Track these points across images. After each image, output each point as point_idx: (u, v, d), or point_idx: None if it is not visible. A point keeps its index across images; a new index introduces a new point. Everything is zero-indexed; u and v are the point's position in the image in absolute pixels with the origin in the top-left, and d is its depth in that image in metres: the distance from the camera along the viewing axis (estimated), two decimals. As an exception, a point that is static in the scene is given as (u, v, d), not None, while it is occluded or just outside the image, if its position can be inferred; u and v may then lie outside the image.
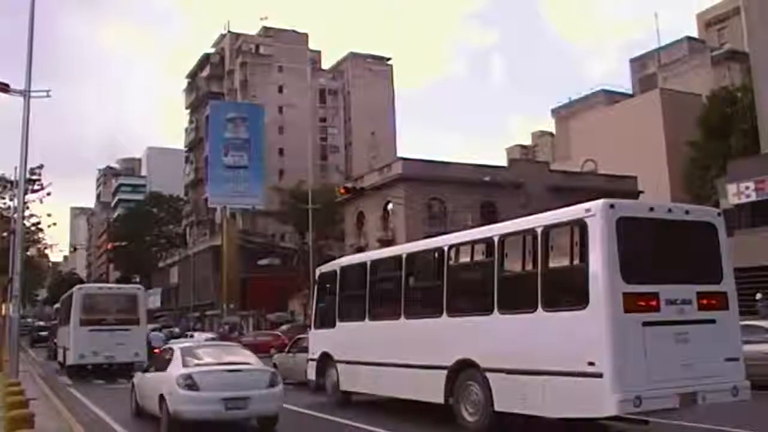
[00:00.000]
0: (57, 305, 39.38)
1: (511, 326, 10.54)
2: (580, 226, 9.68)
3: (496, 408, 10.58)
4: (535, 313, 10.00)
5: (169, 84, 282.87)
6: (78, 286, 28.95)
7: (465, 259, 12.31)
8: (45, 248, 62.83)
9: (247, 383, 11.82)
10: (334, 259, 19.62)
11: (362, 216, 56.83)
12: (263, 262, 67.30)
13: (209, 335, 38.71)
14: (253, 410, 11.86)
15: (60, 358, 27.46)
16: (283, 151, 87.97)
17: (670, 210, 10.41)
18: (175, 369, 12.04)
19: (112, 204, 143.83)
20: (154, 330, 29.32)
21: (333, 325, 15.67)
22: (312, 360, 16.54)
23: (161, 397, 12.07)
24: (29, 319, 58.79)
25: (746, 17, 35.23)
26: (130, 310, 25.12)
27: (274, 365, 22.25)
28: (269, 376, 12.30)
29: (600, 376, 8.94)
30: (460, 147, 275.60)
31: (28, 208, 39.43)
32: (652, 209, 10.18)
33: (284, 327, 46.89)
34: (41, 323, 61.33)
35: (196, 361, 12.29)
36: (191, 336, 36.46)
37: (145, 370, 14.23)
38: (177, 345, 14.45)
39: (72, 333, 24.43)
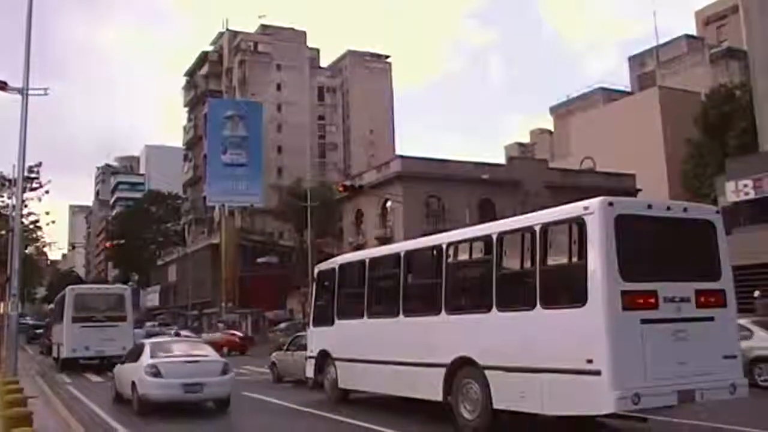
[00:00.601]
0: (51, 305, 41.50)
1: (509, 324, 10.54)
2: (578, 223, 9.68)
3: (495, 406, 10.58)
4: (534, 310, 10.00)
5: (168, 82, 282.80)
6: (71, 286, 30.58)
7: (463, 256, 12.31)
8: (43, 246, 62.74)
9: (202, 371, 14.49)
10: (332, 257, 19.62)
11: (361, 214, 56.83)
12: (262, 260, 67.22)
13: (185, 333, 40.77)
14: (207, 393, 14.41)
15: (54, 353, 29.12)
16: (282, 149, 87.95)
17: (668, 208, 10.42)
18: (144, 360, 14.61)
19: (111, 202, 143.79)
20: (135, 327, 31.45)
21: (331, 323, 15.67)
22: (310, 358, 16.54)
23: (133, 384, 14.59)
24: (29, 318, 58.70)
25: (745, 15, 35.23)
26: (118, 308, 27.18)
27: (273, 363, 22.34)
28: (222, 366, 14.87)
29: (598, 373, 8.94)
30: (458, 145, 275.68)
31: (26, 206, 39.48)
32: (650, 207, 10.19)
33: (283, 325, 46.92)
34: (38, 321, 61.36)
35: (162, 354, 14.97)
36: (176, 334, 38.49)
37: (123, 362, 16.30)
38: (148, 340, 17.42)
39: (65, 329, 26.41)
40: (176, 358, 14.90)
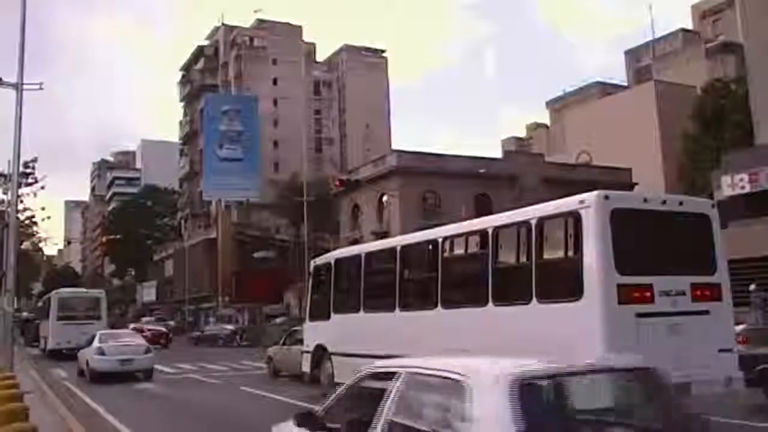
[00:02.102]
0: (39, 304, 46.62)
1: (505, 318, 10.55)
2: (574, 217, 9.69)
3: (491, 400, 10.57)
4: (530, 305, 10.02)
5: (164, 77, 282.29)
6: (55, 291, 35.94)
7: (459, 251, 12.32)
8: (39, 242, 62.66)
9: (132, 351, 22.00)
10: (328, 251, 19.64)
11: (357, 208, 56.81)
12: (258, 254, 67.26)
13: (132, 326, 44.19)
14: (135, 366, 21.62)
15: (42, 345, 34.46)
16: (278, 144, 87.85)
17: (664, 201, 10.43)
18: (95, 344, 21.82)
19: (107, 197, 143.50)
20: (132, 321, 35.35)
21: (328, 318, 15.68)
22: (306, 352, 16.56)
23: (87, 361, 21.74)
24: (24, 313, 59.07)
25: (740, 8, 35.16)
26: (94, 309, 32.63)
27: (269, 357, 22.37)
28: (145, 348, 22.52)
29: (594, 367, 8.94)
30: (454, 139, 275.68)
31: (22, 201, 39.46)
32: (646, 200, 10.20)
33: (279, 320, 46.98)
34: (31, 315, 61.73)
35: (108, 340, 22.31)
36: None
37: (82, 348, 23.01)
38: (99, 331, 24.05)
39: (51, 326, 32.01)
40: (115, 342, 22.20)
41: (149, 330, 39.41)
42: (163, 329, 45.41)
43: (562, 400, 4.65)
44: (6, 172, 35.64)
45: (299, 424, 5.77)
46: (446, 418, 4.41)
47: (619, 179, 51.91)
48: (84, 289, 43.32)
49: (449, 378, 4.55)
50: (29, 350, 36.56)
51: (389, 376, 5.03)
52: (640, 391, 5.01)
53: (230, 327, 50.27)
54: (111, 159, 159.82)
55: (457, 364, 4.87)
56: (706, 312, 9.82)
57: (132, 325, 44.16)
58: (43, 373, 23.00)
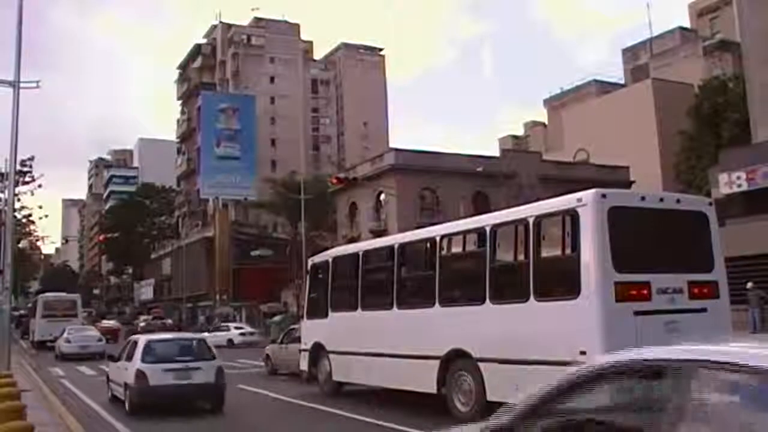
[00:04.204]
0: (29, 305, 54.15)
1: (503, 316, 10.56)
2: (571, 215, 9.69)
3: (489, 398, 10.60)
4: (527, 302, 10.02)
5: (161, 75, 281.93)
6: (41, 295, 46.18)
7: (457, 249, 12.32)
8: (36, 240, 62.61)
9: (90, 339, 31.35)
10: (326, 249, 19.62)
11: (354, 206, 56.78)
12: (256, 252, 67.26)
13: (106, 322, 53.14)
14: (91, 350, 29.89)
15: (30, 338, 42.21)
16: (276, 142, 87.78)
17: (661, 199, 10.45)
18: (64, 335, 31.28)
19: (104, 195, 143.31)
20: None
21: (325, 316, 15.67)
22: (304, 350, 16.54)
23: (58, 347, 31.11)
24: (22, 311, 59.77)
25: (737, 6, 35.15)
26: (71, 309, 40.09)
27: (267, 356, 22.36)
28: (98, 338, 31.88)
29: (592, 365, 8.95)
30: (452, 137, 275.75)
31: (19, 200, 39.51)
32: (643, 199, 10.21)
33: (277, 318, 46.90)
34: (23, 312, 63.13)
35: (73, 332, 31.60)
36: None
37: (56, 339, 32.54)
38: (68, 327, 32.81)
39: (37, 323, 39.71)
40: (78, 334, 31.67)
41: (103, 327, 45.31)
42: (114, 326, 50.27)
43: None
44: (3, 170, 35.61)
45: None
46: None
47: (616, 177, 51.94)
48: (64, 293, 48.59)
49: None
50: (22, 343, 42.95)
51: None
52: None
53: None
54: (108, 157, 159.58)
55: None
56: (704, 310, 9.83)
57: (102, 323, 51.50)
58: (41, 371, 22.98)
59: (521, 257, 10.60)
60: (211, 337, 25.67)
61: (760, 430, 2.69)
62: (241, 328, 42.49)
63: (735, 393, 2.88)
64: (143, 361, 13.37)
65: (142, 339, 14.56)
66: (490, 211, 14.24)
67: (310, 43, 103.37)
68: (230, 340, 37.87)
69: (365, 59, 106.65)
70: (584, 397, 3.47)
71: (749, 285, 22.32)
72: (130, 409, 13.37)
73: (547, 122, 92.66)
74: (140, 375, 13.14)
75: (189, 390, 13.46)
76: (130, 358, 13.83)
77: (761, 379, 2.71)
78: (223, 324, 46.69)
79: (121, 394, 14.04)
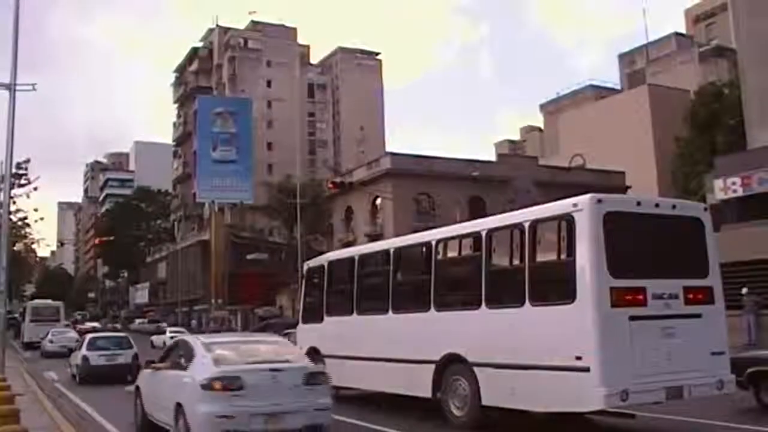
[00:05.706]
0: (21, 310, 58.21)
1: (498, 321, 10.54)
2: (567, 220, 9.69)
3: (484, 402, 10.59)
4: (523, 307, 10.01)
5: (157, 78, 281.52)
6: (30, 302, 53.04)
7: (453, 253, 12.30)
8: (32, 243, 62.35)
9: (70, 339, 33.44)
10: (322, 253, 19.60)
11: (350, 211, 56.80)
12: (251, 256, 67.16)
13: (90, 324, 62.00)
14: (71, 349, 27.58)
15: (21, 339, 46.53)
16: (272, 146, 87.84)
17: (657, 205, 10.45)
18: (48, 337, 35.83)
19: (100, 199, 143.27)
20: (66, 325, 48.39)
21: (321, 320, 15.61)
22: (300, 355, 16.47)
23: (42, 346, 35.79)
24: (17, 315, 59.71)
25: (733, 12, 35.28)
26: (55, 314, 46.24)
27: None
28: (76, 338, 31.28)
29: (587, 370, 8.96)
30: (448, 142, 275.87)
31: (14, 202, 39.32)
32: (639, 204, 10.20)
33: (272, 321, 46.81)
34: (15, 316, 63.71)
35: (56, 334, 35.87)
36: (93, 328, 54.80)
37: (43, 339, 36.96)
38: (52, 330, 37.31)
39: (26, 326, 45.17)
40: (59, 336, 35.45)
41: (81, 329, 49.39)
42: (90, 329, 52.14)
43: None
44: (-1, 173, 35.50)
45: None
46: None
47: (612, 182, 52.08)
48: (50, 300, 54.64)
49: None
50: (14, 344, 45.08)
51: None
52: None
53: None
54: (104, 160, 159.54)
55: None
56: (699, 315, 9.83)
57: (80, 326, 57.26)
58: (35, 375, 22.92)
59: (517, 262, 10.59)
60: None
61: None
62: (233, 330, 43.00)
63: None
64: (87, 349, 21.76)
65: (87, 336, 24.46)
66: (486, 215, 14.23)
67: (307, 47, 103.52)
68: None
69: (362, 63, 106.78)
70: None
71: (744, 290, 22.32)
72: (79, 380, 21.23)
73: (543, 127, 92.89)
74: (85, 358, 21.40)
75: (114, 368, 21.13)
76: (80, 348, 22.37)
77: None
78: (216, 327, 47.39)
79: (73, 369, 22.31)
